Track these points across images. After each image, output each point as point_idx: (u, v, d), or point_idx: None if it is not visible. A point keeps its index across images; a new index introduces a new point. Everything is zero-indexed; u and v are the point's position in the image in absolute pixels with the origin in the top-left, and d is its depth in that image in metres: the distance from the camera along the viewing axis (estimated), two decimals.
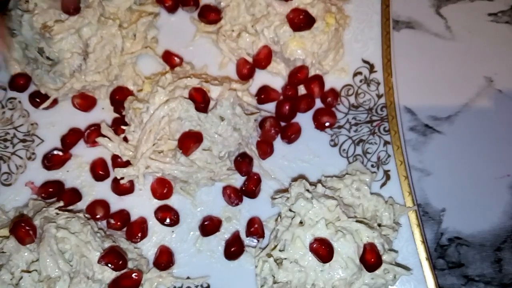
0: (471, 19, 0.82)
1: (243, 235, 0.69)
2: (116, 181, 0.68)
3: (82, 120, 0.72)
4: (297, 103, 0.73)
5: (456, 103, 0.78)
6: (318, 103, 0.74)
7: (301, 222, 0.62)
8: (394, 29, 0.79)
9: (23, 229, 0.60)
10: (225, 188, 0.70)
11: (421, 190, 0.74)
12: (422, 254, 0.65)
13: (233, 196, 0.69)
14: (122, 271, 0.61)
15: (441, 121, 0.77)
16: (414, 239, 0.66)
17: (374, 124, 0.72)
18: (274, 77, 0.74)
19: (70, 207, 0.68)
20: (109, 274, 0.61)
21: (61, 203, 0.66)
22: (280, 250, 0.62)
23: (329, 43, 0.71)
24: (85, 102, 0.72)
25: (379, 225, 0.64)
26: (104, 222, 0.68)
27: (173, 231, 0.69)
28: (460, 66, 0.80)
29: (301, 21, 0.69)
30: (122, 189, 0.69)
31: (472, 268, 0.72)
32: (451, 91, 0.78)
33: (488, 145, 0.76)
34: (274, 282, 0.61)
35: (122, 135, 0.68)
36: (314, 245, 0.59)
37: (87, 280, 0.60)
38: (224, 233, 0.69)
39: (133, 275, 0.61)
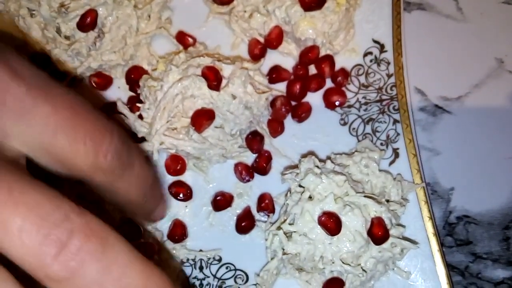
0: (483, 1, 0.82)
1: (254, 210, 0.70)
2: None
3: (99, 98, 0.74)
4: (307, 82, 0.74)
5: (466, 84, 0.79)
6: (329, 83, 0.75)
7: (310, 197, 0.64)
8: (406, 11, 0.79)
9: None
10: (236, 165, 0.72)
11: (430, 169, 0.75)
12: (430, 230, 0.67)
13: (245, 173, 0.71)
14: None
15: (451, 102, 0.78)
16: (422, 216, 0.67)
17: (384, 103, 0.73)
18: (285, 57, 0.76)
19: None
20: None
21: None
22: (289, 224, 0.63)
23: (340, 23, 0.72)
24: (102, 80, 0.74)
25: (387, 200, 0.66)
26: None
27: (186, 206, 0.71)
28: (471, 48, 0.80)
29: (312, 0, 0.70)
30: None
31: (480, 246, 0.73)
32: (461, 72, 0.79)
33: (498, 125, 0.76)
34: (284, 254, 0.63)
35: (137, 113, 0.70)
36: (323, 218, 0.61)
37: None
38: (236, 209, 0.71)
39: (148, 245, 0.63)
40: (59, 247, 0.34)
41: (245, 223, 0.69)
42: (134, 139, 0.71)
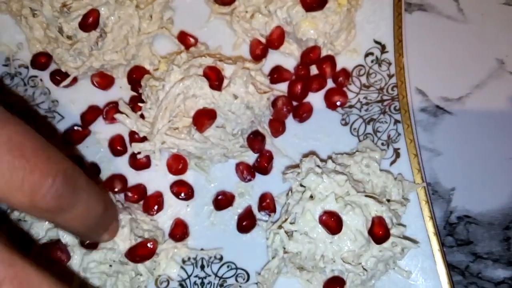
0: (483, 2, 0.82)
1: (255, 209, 0.71)
2: (133, 156, 0.71)
3: (100, 98, 0.75)
4: (309, 83, 0.74)
5: (467, 85, 0.79)
6: (330, 83, 0.75)
7: (311, 196, 0.64)
8: (407, 11, 0.80)
9: None
10: (238, 165, 0.72)
11: (431, 169, 0.75)
12: (431, 229, 0.67)
13: (246, 172, 0.71)
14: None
15: (452, 102, 0.78)
16: (423, 215, 0.68)
17: (385, 103, 0.73)
18: (287, 57, 0.76)
19: None
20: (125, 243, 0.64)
21: None
22: (290, 223, 0.64)
23: (341, 24, 0.73)
24: (104, 80, 0.74)
25: (388, 200, 0.66)
26: (122, 195, 0.71)
27: (188, 205, 0.71)
28: (472, 48, 0.80)
29: (313, 1, 0.70)
30: (139, 164, 0.71)
31: (481, 246, 0.73)
32: (462, 72, 0.79)
33: (498, 126, 0.77)
34: (285, 253, 0.63)
35: (139, 112, 0.71)
36: (324, 218, 0.61)
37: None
38: (237, 208, 0.71)
39: (149, 244, 0.63)
40: None
41: (246, 222, 0.69)
42: (135, 139, 0.71)
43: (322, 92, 0.75)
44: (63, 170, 0.45)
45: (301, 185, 0.65)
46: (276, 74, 0.75)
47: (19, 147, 0.42)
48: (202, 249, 0.69)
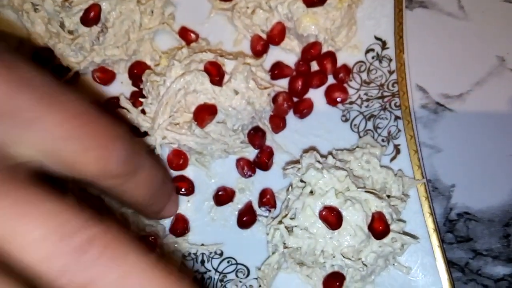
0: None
1: (255, 205, 0.71)
2: None
3: (102, 93, 0.75)
4: (309, 79, 0.74)
5: (467, 82, 0.79)
6: (331, 79, 0.75)
7: (311, 192, 0.64)
8: (408, 8, 0.80)
9: None
10: (238, 161, 0.72)
11: (431, 166, 0.75)
12: (430, 225, 0.67)
13: (246, 168, 0.72)
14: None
15: (453, 99, 0.78)
16: (423, 211, 0.68)
17: (385, 99, 0.73)
18: (287, 53, 0.76)
19: None
20: None
21: None
22: (291, 218, 0.64)
23: (342, 20, 0.73)
24: (105, 75, 0.74)
25: (388, 196, 0.66)
26: None
27: (188, 201, 0.71)
28: (472, 45, 0.80)
29: None
30: None
31: (480, 243, 0.73)
32: (463, 70, 0.79)
33: (499, 123, 0.77)
34: (285, 248, 0.64)
35: (140, 107, 0.71)
36: (324, 213, 0.61)
37: None
38: (237, 203, 0.71)
39: (150, 238, 0.63)
40: (79, 255, 0.34)
41: (246, 218, 0.69)
42: (136, 134, 0.71)
43: (323, 88, 0.75)
44: (123, 134, 0.45)
45: (301, 181, 0.65)
46: (277, 70, 0.75)
47: (86, 112, 0.42)
48: (202, 245, 0.69)
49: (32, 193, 0.35)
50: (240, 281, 0.68)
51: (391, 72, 0.74)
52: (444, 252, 0.67)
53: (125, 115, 0.70)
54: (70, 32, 0.71)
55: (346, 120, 0.73)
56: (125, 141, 0.44)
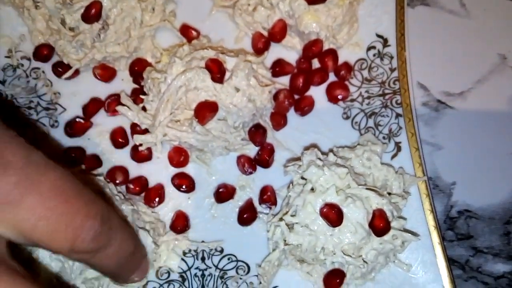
0: None
1: (256, 202, 0.71)
2: (135, 148, 0.71)
3: (102, 90, 0.75)
4: (310, 76, 0.74)
5: (469, 80, 0.79)
6: (332, 77, 0.75)
7: (312, 189, 0.64)
8: (409, 6, 0.79)
9: None
10: (239, 158, 0.72)
11: (432, 163, 0.75)
12: (431, 223, 0.67)
13: (247, 165, 0.72)
14: None
15: (454, 97, 0.78)
16: (423, 209, 0.68)
17: (387, 97, 0.73)
18: (289, 50, 0.76)
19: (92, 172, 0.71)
20: None
21: (83, 167, 0.69)
22: (291, 215, 0.64)
23: (344, 17, 0.73)
24: (106, 72, 0.74)
25: (389, 193, 0.66)
26: (123, 187, 0.71)
27: (189, 198, 0.71)
28: (474, 43, 0.80)
29: None
30: (141, 156, 0.72)
31: (481, 240, 0.73)
32: (464, 67, 0.79)
33: (500, 121, 0.77)
34: (285, 245, 0.64)
35: (141, 105, 0.71)
36: (324, 210, 0.61)
37: None
38: (238, 201, 0.71)
39: None
40: None
41: (247, 215, 0.69)
42: (136, 131, 0.71)
43: (324, 86, 0.75)
44: (100, 211, 0.46)
45: (302, 178, 0.65)
46: (278, 67, 0.75)
47: (62, 193, 0.43)
48: (203, 241, 0.69)
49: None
50: (241, 278, 0.68)
51: (392, 70, 0.73)
52: (444, 249, 0.66)
53: (125, 113, 0.70)
54: (71, 29, 0.71)
55: (347, 117, 0.73)
56: (96, 219, 0.46)
